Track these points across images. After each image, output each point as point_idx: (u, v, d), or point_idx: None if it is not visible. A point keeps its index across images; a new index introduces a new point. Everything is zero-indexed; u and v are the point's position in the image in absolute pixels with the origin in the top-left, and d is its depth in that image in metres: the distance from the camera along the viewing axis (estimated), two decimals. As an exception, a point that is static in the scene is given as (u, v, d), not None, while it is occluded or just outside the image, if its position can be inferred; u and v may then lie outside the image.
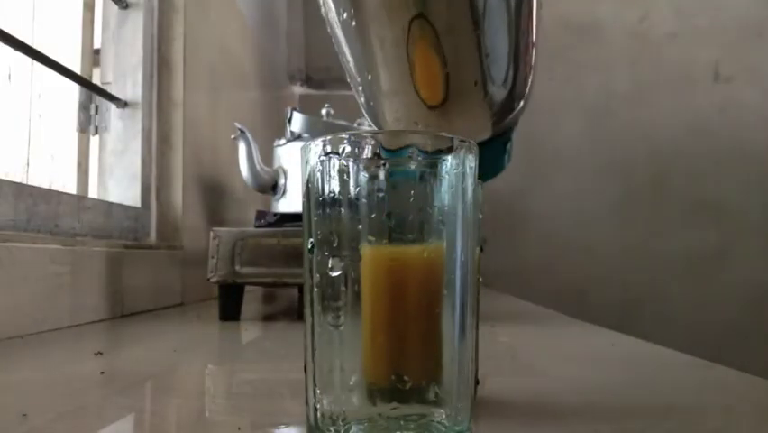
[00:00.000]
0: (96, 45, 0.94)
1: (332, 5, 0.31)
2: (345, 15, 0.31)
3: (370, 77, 0.33)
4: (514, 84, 0.33)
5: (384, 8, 0.29)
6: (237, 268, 0.75)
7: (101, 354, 0.51)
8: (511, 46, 0.32)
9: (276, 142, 1.06)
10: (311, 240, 0.26)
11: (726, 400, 0.39)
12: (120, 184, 0.94)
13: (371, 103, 0.34)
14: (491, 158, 0.35)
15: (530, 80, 0.34)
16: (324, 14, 0.32)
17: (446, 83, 0.32)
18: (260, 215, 0.90)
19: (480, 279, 0.35)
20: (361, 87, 0.33)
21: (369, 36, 0.31)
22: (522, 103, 0.34)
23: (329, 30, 0.33)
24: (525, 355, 0.55)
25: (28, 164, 0.81)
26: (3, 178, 0.64)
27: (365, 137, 0.26)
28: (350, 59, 0.33)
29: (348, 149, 0.25)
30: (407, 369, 0.26)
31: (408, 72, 0.31)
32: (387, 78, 0.32)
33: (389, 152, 0.28)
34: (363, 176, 0.25)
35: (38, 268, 0.62)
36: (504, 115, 0.34)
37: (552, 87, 2.05)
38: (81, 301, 0.70)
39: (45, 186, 0.73)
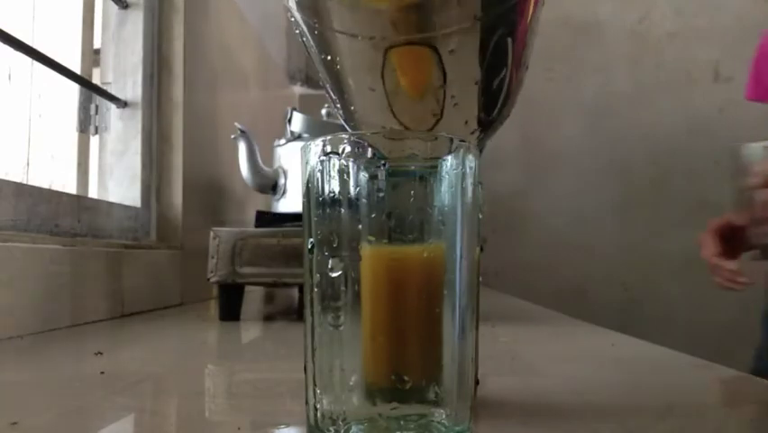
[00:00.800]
0: (96, 45, 0.94)
1: (313, 45, 0.31)
2: (329, 58, 0.31)
3: (352, 108, 0.32)
4: (502, 111, 0.33)
5: (375, 65, 0.29)
6: (237, 268, 0.75)
7: (101, 354, 0.51)
8: (507, 81, 0.32)
9: (276, 142, 1.06)
10: (311, 240, 0.26)
11: (726, 400, 0.39)
12: (120, 184, 0.94)
13: (351, 123, 0.34)
14: None
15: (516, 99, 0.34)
16: (306, 50, 0.32)
17: (436, 125, 0.32)
18: (260, 215, 0.90)
19: (480, 279, 0.35)
20: (339, 105, 0.33)
21: (353, 82, 0.31)
22: (505, 120, 0.34)
23: (310, 57, 0.32)
24: (525, 355, 0.55)
25: (28, 164, 0.81)
26: (3, 178, 0.64)
27: (365, 137, 0.26)
28: (330, 90, 0.33)
29: (348, 149, 0.25)
30: (407, 369, 0.26)
31: (397, 119, 0.30)
32: (370, 115, 0.32)
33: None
34: (363, 176, 0.25)
35: (38, 268, 0.62)
36: (488, 136, 0.34)
37: (552, 87, 2.05)
38: (81, 301, 0.70)
39: (45, 186, 0.73)
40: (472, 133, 0.33)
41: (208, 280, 0.75)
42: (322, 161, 0.26)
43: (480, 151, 0.36)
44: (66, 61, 0.81)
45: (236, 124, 1.01)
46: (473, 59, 0.30)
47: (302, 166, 0.27)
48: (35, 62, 0.76)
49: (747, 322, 1.99)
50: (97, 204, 0.83)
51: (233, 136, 1.02)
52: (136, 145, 0.94)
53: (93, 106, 0.92)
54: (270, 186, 1.02)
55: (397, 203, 0.25)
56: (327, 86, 0.33)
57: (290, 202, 1.01)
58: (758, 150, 0.54)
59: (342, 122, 0.34)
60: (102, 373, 0.43)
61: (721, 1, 2.08)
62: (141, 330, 0.71)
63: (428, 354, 0.26)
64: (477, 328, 0.31)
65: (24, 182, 0.70)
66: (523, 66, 0.32)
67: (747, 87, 1.13)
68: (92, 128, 0.92)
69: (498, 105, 0.32)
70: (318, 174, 0.26)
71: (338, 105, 0.33)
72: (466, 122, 0.32)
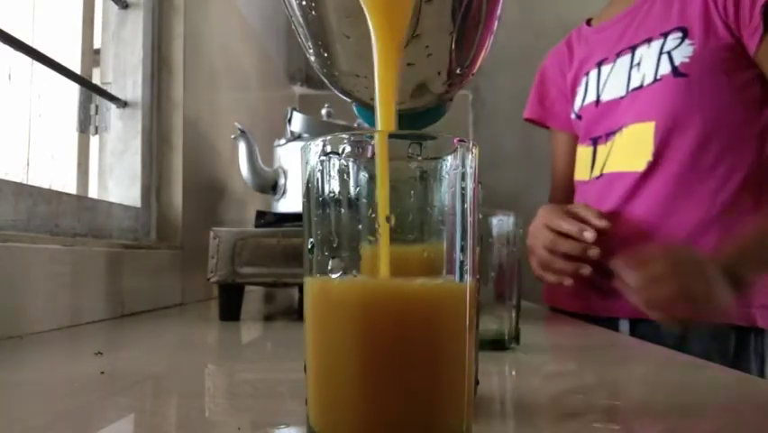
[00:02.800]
0: (96, 45, 0.94)
1: None
2: (304, 2, 0.31)
3: (326, 55, 0.33)
4: (474, 63, 0.33)
5: (353, 12, 0.29)
6: (237, 268, 0.75)
7: (101, 354, 0.51)
8: (480, 34, 0.32)
9: (276, 142, 1.06)
10: (311, 240, 0.26)
11: (726, 401, 0.39)
12: (120, 184, 0.94)
13: (324, 70, 0.34)
14: (431, 113, 0.36)
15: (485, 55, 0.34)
16: None
17: (411, 77, 0.32)
18: (260, 215, 0.90)
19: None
20: (311, 52, 0.33)
21: (329, 28, 0.31)
22: (474, 72, 0.34)
23: (283, 3, 0.32)
24: (524, 355, 0.55)
25: (28, 164, 0.81)
26: (3, 178, 0.64)
27: (365, 137, 0.26)
28: (303, 36, 0.33)
29: (348, 149, 0.25)
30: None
31: (372, 68, 0.31)
32: (344, 63, 0.33)
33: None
34: (363, 176, 0.25)
35: (38, 268, 0.62)
36: (457, 88, 0.34)
37: (552, 87, 2.04)
38: (81, 301, 0.70)
39: (45, 186, 0.73)
40: (444, 84, 0.33)
41: (208, 280, 0.75)
42: (322, 161, 0.26)
43: (449, 101, 0.37)
44: (66, 61, 0.81)
45: (236, 124, 1.01)
46: (449, 11, 0.30)
47: (302, 166, 0.27)
48: (35, 62, 0.76)
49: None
50: (97, 204, 0.83)
51: (233, 136, 1.02)
52: (136, 145, 0.94)
53: (93, 106, 0.92)
54: (270, 186, 1.02)
55: (397, 203, 0.25)
56: (300, 31, 0.33)
57: (290, 202, 1.01)
58: (492, 222, 0.57)
59: (316, 70, 0.34)
60: (102, 373, 0.43)
61: (721, 1, 2.07)
62: (141, 330, 0.71)
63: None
64: (477, 328, 0.31)
65: (24, 182, 0.70)
66: (496, 19, 0.32)
67: (527, 108, 1.21)
68: (92, 128, 0.92)
69: (470, 58, 0.33)
70: (318, 174, 0.26)
71: (310, 52, 0.33)
72: (438, 73, 0.33)
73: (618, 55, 1.00)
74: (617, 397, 0.39)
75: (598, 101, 1.02)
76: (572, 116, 1.11)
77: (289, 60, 1.96)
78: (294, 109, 1.05)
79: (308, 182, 0.26)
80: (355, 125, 1.06)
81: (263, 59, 1.61)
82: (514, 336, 0.57)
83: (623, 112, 0.96)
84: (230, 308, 0.77)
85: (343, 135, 0.25)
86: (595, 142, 1.03)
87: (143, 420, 0.33)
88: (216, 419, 0.34)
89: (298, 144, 0.98)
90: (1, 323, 0.57)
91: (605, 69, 1.02)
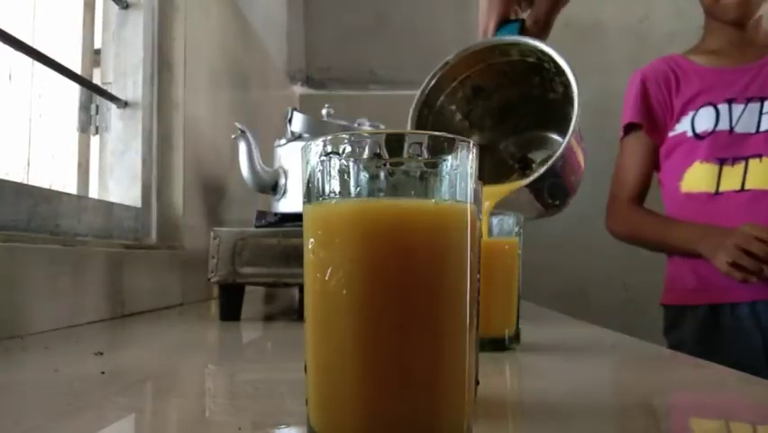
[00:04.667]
0: (97, 45, 0.94)
1: None
2: None
3: None
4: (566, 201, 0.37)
5: None
6: (237, 268, 0.75)
7: (101, 354, 0.51)
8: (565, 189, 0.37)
9: (276, 142, 1.06)
10: (311, 240, 0.26)
11: (725, 401, 0.39)
12: (120, 184, 0.94)
13: None
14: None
15: None
16: None
17: None
18: (260, 215, 0.90)
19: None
20: None
21: None
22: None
23: None
24: (525, 355, 0.55)
25: (28, 164, 0.81)
26: (3, 178, 0.64)
27: (365, 137, 0.26)
28: None
29: (348, 149, 0.25)
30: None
31: None
32: None
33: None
34: (363, 176, 0.25)
35: (38, 268, 0.62)
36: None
37: (552, 87, 2.04)
38: (81, 301, 0.70)
39: (45, 186, 0.73)
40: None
41: (208, 280, 0.75)
42: (322, 161, 0.26)
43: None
44: (66, 61, 0.81)
45: (236, 124, 1.01)
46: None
47: (302, 166, 0.27)
48: (36, 62, 0.76)
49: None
50: (98, 204, 0.83)
51: (233, 136, 1.02)
52: (136, 145, 0.94)
53: (93, 106, 0.92)
54: (270, 186, 1.02)
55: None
56: None
57: (290, 202, 1.00)
58: (492, 222, 0.59)
59: None
60: (102, 373, 0.43)
61: (721, 1, 2.07)
62: (141, 330, 0.71)
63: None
64: (477, 328, 0.31)
65: (25, 182, 0.70)
66: (579, 170, 0.36)
67: (628, 113, 1.39)
68: (92, 128, 0.92)
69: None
70: (318, 174, 0.26)
71: None
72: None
73: (749, 101, 1.22)
74: (618, 396, 0.39)
75: (731, 131, 1.22)
76: (688, 133, 1.27)
77: (289, 60, 1.96)
78: (294, 109, 1.05)
79: (308, 182, 0.26)
80: (355, 125, 1.06)
81: (263, 59, 1.61)
82: (514, 336, 0.57)
83: (754, 144, 1.19)
84: (230, 308, 0.77)
85: (343, 135, 0.26)
86: (722, 161, 1.23)
87: (143, 420, 0.33)
88: (216, 419, 0.34)
89: (298, 144, 0.98)
90: (1, 323, 0.57)
91: (736, 107, 1.23)
